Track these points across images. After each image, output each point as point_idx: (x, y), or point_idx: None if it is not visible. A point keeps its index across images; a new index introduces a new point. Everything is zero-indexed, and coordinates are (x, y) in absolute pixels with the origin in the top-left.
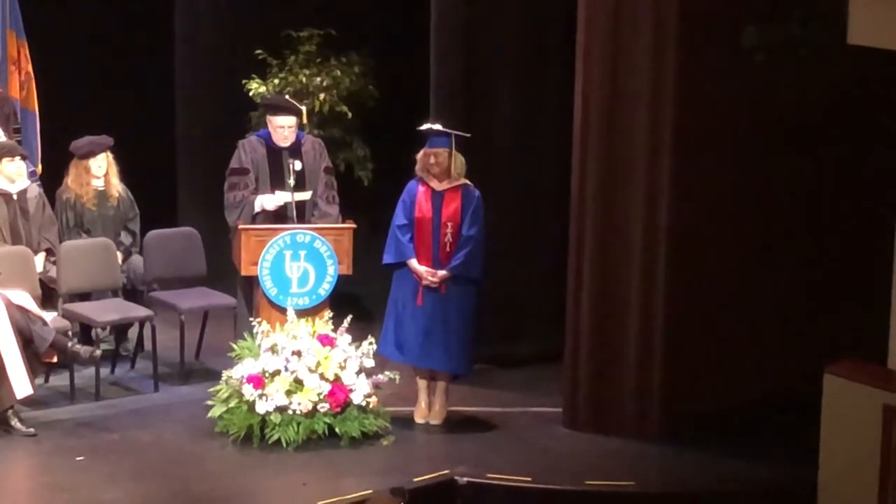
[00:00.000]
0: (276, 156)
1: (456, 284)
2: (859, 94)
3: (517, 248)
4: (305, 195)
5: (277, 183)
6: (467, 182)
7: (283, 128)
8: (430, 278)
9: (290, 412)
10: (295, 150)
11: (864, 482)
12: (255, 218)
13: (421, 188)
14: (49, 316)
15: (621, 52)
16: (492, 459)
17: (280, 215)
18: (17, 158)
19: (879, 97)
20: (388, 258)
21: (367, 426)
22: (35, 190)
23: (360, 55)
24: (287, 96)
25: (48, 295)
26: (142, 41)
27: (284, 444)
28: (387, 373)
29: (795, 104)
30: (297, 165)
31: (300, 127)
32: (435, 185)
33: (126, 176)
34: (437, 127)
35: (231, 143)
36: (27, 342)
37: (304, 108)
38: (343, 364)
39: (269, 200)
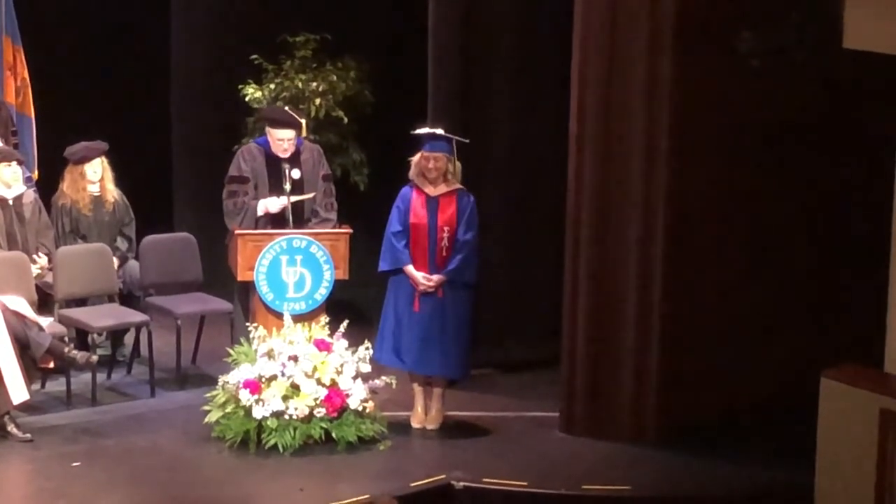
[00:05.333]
0: (274, 164)
1: (452, 289)
2: (855, 97)
3: (513, 252)
4: (308, 195)
5: (276, 191)
6: (461, 187)
7: (282, 140)
8: (427, 283)
9: (286, 417)
10: (293, 158)
11: (860, 486)
12: (257, 222)
13: (415, 194)
14: (45, 321)
15: (617, 57)
16: (488, 464)
17: (279, 220)
18: (14, 163)
19: (875, 101)
20: (383, 265)
21: (364, 431)
22: (31, 195)
23: (355, 60)
24: (283, 102)
25: (44, 300)
26: (137, 47)
27: (281, 450)
28: (383, 378)
29: (791, 108)
30: (296, 174)
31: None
32: (430, 190)
33: (122, 181)
34: (439, 131)
35: (227, 148)
36: (23, 348)
37: (303, 121)
38: (339, 369)
39: (273, 203)
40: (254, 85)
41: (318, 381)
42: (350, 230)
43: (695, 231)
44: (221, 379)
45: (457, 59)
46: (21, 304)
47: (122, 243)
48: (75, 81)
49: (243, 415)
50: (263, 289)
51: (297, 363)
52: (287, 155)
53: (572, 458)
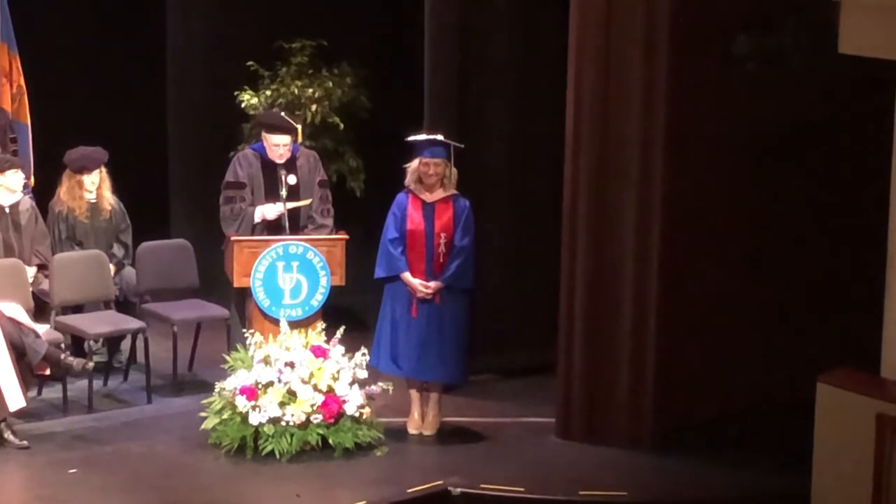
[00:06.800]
0: (270, 169)
1: (449, 295)
2: (850, 102)
3: (510, 258)
4: (305, 202)
5: (272, 196)
6: (456, 192)
7: (278, 146)
8: (425, 290)
9: (283, 423)
10: (289, 164)
11: (857, 491)
12: (254, 228)
13: (410, 200)
14: (42, 328)
15: (613, 62)
16: (485, 470)
17: (275, 226)
18: (19, 170)
19: (870, 105)
20: (379, 272)
21: (361, 437)
22: (27, 202)
23: (351, 66)
24: (279, 108)
25: (41, 307)
26: (134, 53)
27: (278, 456)
28: (380, 383)
29: (787, 112)
30: (292, 179)
31: (294, 140)
32: (426, 196)
33: (118, 188)
34: (439, 137)
35: (223, 155)
36: (20, 355)
37: (299, 126)
38: (336, 375)
39: (269, 210)
40: (250, 91)
41: (315, 388)
42: (346, 236)
43: (691, 236)
44: (218, 385)
45: (453, 65)
46: (17, 311)
47: (118, 250)
48: (71, 88)
49: (240, 421)
50: (260, 295)
51: (293, 369)
52: (283, 160)
53: (569, 463)
